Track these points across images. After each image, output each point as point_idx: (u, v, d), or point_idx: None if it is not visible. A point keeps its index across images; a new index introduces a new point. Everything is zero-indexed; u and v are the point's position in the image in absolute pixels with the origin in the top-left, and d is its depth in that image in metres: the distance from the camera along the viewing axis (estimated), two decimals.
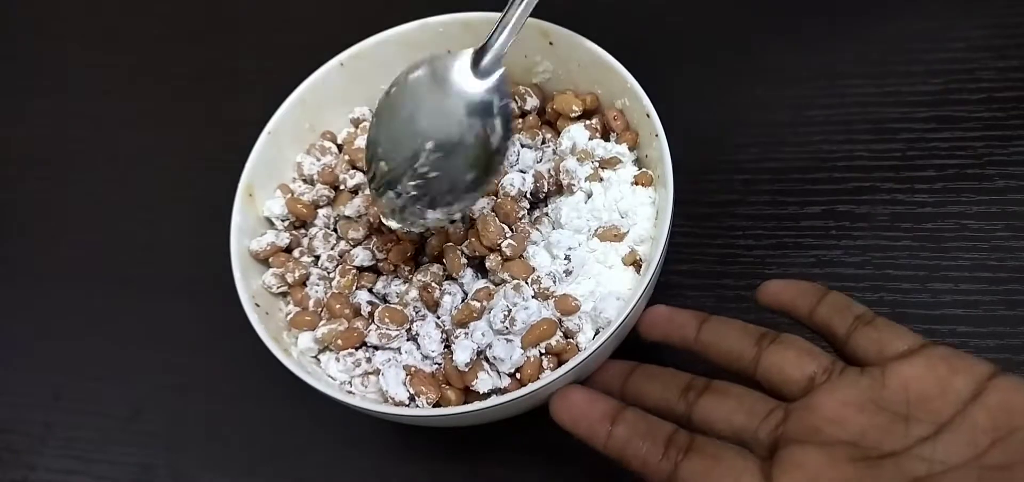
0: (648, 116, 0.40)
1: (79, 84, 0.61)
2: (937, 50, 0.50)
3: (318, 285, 0.41)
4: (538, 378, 0.36)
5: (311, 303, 0.40)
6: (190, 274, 0.50)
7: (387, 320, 0.38)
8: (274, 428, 0.44)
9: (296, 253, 0.43)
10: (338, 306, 0.39)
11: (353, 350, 0.38)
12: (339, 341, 0.38)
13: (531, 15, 0.37)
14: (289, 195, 0.44)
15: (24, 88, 0.62)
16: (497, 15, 0.38)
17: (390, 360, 0.38)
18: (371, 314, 0.39)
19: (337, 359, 0.38)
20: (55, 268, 0.53)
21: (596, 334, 0.37)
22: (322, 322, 0.40)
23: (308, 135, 0.46)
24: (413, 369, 0.38)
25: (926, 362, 0.31)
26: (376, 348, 0.39)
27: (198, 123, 0.57)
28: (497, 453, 0.41)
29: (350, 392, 0.38)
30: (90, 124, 0.59)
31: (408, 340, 0.39)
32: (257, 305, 0.39)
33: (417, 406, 0.37)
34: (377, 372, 0.38)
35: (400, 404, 0.37)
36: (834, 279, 0.43)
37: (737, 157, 0.48)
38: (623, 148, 0.42)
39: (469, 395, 0.37)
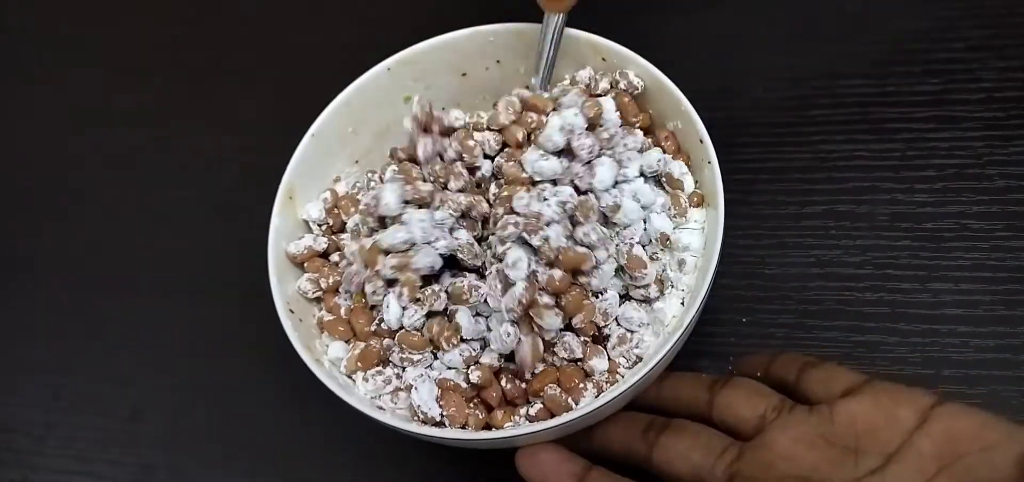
0: (701, 141, 0.40)
1: (80, 83, 0.61)
2: (937, 50, 0.50)
3: (349, 292, 0.40)
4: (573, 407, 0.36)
5: (342, 311, 0.40)
6: (191, 274, 0.50)
7: (405, 347, 0.38)
8: (274, 428, 0.44)
9: (334, 258, 0.42)
10: (361, 322, 0.39)
11: (381, 367, 0.38)
12: (359, 363, 0.38)
13: (582, 29, 0.42)
14: (334, 196, 0.43)
15: (24, 88, 0.62)
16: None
17: (422, 375, 0.37)
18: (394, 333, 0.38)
19: (365, 378, 0.38)
20: (56, 268, 0.53)
21: (635, 363, 0.37)
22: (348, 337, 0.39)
23: (351, 139, 0.45)
24: (450, 384, 0.37)
25: (872, 396, 0.32)
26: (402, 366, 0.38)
27: (200, 123, 0.57)
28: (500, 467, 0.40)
29: (380, 407, 0.37)
30: (91, 124, 0.59)
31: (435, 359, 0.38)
32: (291, 311, 0.38)
33: (447, 426, 0.36)
34: (409, 388, 0.37)
35: (430, 421, 0.36)
36: (834, 279, 0.43)
37: (737, 157, 0.48)
38: (689, 175, 0.41)
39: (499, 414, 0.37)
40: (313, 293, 0.41)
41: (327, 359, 0.39)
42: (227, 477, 0.44)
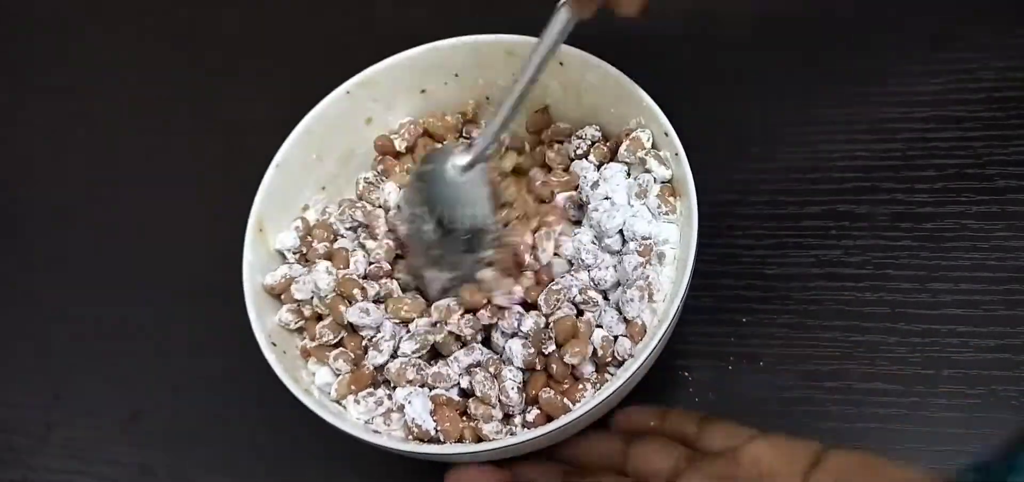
0: (666, 135, 0.40)
1: (80, 85, 0.61)
2: (937, 50, 0.50)
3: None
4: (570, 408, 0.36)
5: (326, 338, 0.40)
6: (191, 275, 0.50)
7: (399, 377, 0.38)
8: (273, 429, 0.44)
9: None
10: (352, 343, 0.39)
11: (372, 389, 0.38)
12: (352, 385, 0.38)
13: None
14: (306, 223, 0.43)
15: (24, 89, 0.62)
16: (507, 38, 0.43)
17: (415, 390, 0.37)
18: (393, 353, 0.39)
19: (357, 401, 0.38)
20: (56, 269, 0.53)
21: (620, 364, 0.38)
22: (332, 360, 0.39)
23: (315, 166, 0.44)
24: (442, 398, 0.37)
25: (771, 441, 0.35)
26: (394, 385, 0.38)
27: (200, 124, 0.57)
28: None
29: (376, 431, 0.37)
30: (90, 125, 0.59)
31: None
32: (274, 344, 0.38)
33: (440, 442, 0.36)
34: (401, 409, 0.37)
35: (425, 435, 0.36)
36: (834, 279, 0.43)
37: (737, 157, 0.48)
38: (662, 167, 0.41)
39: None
40: (295, 324, 0.40)
41: (315, 387, 0.39)
42: (227, 477, 0.44)
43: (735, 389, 0.41)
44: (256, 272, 0.40)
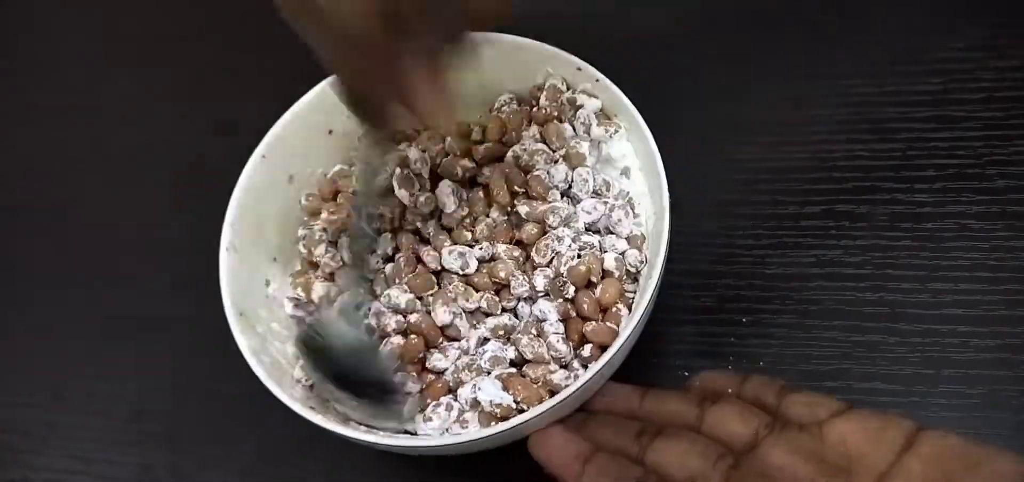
0: (579, 69, 0.40)
1: (78, 84, 0.61)
2: (937, 50, 0.50)
3: None
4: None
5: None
6: (191, 274, 0.50)
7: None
8: (274, 428, 0.44)
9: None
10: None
11: (441, 396, 0.38)
12: (429, 399, 0.38)
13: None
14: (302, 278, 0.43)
15: (23, 88, 0.62)
16: None
17: (478, 380, 0.38)
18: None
19: (428, 417, 0.37)
20: (55, 268, 0.53)
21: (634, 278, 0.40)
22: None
23: (262, 242, 0.43)
24: (505, 375, 0.37)
25: (859, 418, 0.33)
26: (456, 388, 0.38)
27: (199, 123, 0.57)
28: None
29: (458, 433, 0.37)
30: (90, 124, 0.59)
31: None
32: (312, 408, 0.37)
33: (523, 411, 0.36)
34: (474, 406, 0.37)
35: (508, 411, 0.36)
36: (834, 279, 0.43)
37: (737, 157, 0.48)
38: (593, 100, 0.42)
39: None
40: None
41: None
42: (227, 477, 0.44)
43: None
44: (261, 354, 0.39)
